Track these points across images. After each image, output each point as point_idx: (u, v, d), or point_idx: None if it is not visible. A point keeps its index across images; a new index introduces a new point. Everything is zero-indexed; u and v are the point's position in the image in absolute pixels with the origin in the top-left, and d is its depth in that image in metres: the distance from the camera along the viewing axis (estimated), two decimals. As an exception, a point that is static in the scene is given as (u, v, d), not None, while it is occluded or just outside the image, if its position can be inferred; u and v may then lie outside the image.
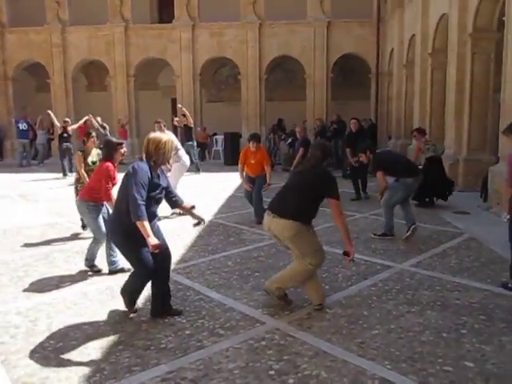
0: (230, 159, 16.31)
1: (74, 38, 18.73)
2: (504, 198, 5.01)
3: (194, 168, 13.18)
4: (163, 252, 3.63)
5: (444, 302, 4.11)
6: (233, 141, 16.68)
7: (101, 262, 5.05)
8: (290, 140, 16.74)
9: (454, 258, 5.39)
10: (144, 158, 3.60)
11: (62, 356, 3.23)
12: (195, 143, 13.87)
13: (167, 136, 3.63)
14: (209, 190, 10.74)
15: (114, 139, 5.14)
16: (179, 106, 14.48)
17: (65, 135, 12.90)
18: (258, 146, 7.29)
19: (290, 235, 3.81)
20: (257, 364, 3.11)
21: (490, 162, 8.76)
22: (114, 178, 4.88)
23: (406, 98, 14.40)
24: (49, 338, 3.49)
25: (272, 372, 3.01)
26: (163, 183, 3.67)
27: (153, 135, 3.61)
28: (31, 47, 18.83)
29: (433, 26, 11.70)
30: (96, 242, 5.04)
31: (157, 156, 3.54)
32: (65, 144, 12.90)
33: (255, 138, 7.25)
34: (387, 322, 3.73)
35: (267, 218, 3.94)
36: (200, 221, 3.91)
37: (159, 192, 3.61)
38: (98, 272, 5.00)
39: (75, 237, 6.58)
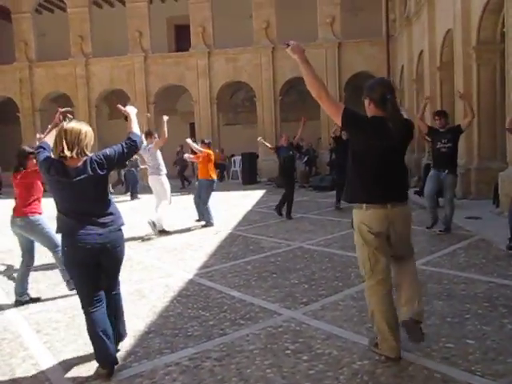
0: (248, 179, 16.80)
1: (97, 69, 19.75)
2: None
3: None
4: None
5: (450, 293, 4.37)
6: (250, 161, 17.20)
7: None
8: (305, 158, 17.19)
9: (463, 257, 5.63)
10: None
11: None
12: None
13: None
14: (228, 207, 11.15)
15: (27, 148, 4.71)
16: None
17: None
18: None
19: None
20: (274, 345, 3.43)
21: (501, 169, 8.94)
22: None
23: (418, 112, 14.62)
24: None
25: (288, 351, 3.33)
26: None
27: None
28: (57, 80, 19.94)
29: (439, 41, 12.10)
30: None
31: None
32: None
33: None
34: (395, 310, 4.00)
35: None
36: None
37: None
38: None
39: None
